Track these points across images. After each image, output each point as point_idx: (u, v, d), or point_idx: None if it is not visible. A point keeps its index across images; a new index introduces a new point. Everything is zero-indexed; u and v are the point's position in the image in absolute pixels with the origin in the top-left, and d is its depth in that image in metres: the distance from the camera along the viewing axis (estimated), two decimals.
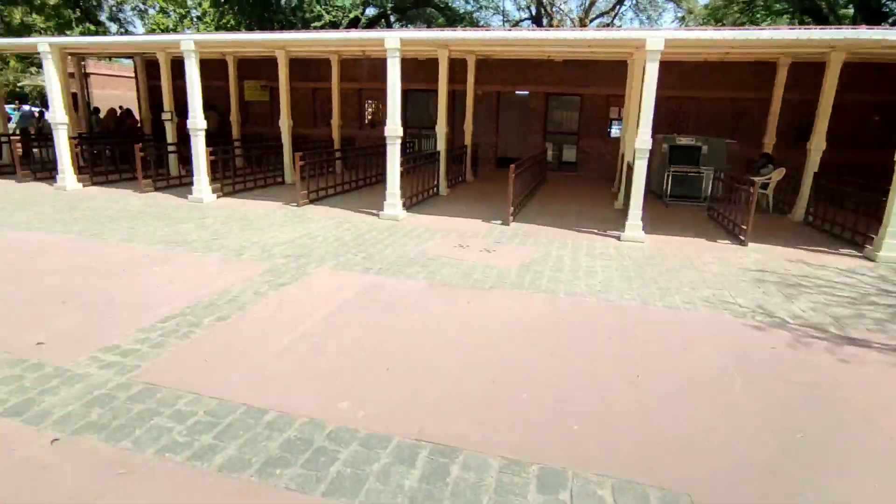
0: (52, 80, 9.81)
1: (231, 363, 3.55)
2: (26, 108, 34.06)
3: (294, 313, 4.41)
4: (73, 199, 9.37)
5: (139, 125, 16.16)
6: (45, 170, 11.62)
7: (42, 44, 9.67)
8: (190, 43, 8.88)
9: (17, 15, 25.00)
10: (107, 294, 4.72)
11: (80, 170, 10.75)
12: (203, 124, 9.22)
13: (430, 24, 25.89)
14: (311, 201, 9.57)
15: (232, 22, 21.53)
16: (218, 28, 22.22)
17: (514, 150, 15.45)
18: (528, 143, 15.52)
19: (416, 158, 10.26)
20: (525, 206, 9.68)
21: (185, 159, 12.34)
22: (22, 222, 7.49)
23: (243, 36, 9.80)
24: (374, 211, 8.83)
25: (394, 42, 8.01)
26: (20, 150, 11.53)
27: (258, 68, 16.61)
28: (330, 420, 2.92)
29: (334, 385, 3.31)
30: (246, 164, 12.18)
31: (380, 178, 12.05)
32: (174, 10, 27.41)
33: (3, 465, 2.50)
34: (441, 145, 10.99)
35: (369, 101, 16.98)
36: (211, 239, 6.76)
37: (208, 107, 17.89)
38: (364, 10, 23.29)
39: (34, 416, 2.88)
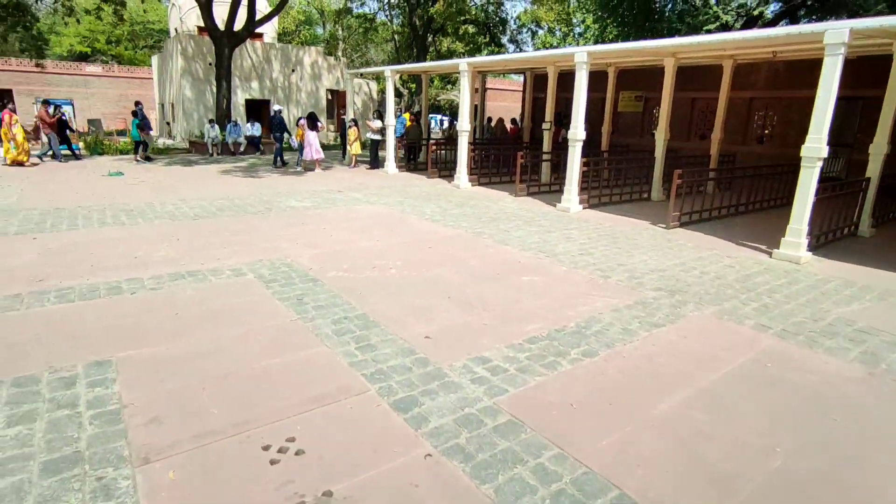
0: (464, 94, 11.45)
1: (598, 418, 3.02)
2: (437, 117, 42.59)
3: (672, 369, 3.62)
4: (464, 196, 10.75)
5: (520, 133, 17.84)
6: (447, 169, 13.85)
7: (462, 64, 11.36)
8: (583, 55, 8.90)
9: (445, 43, 31.12)
10: (481, 295, 4.89)
11: (470, 171, 12.32)
12: (583, 135, 9.19)
13: (854, 14, 20.47)
14: (682, 224, 8.47)
15: (613, 33, 21.63)
16: (596, 42, 22.71)
17: None
18: None
19: (836, 186, 7.92)
20: None
21: (555, 166, 12.88)
22: (427, 212, 8.88)
23: (635, 45, 9.29)
24: (762, 246, 7.16)
25: (840, 36, 6.13)
26: (433, 151, 14.02)
27: (635, 79, 16.09)
28: None
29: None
30: (612, 176, 11.82)
31: (767, 205, 9.97)
32: (560, 29, 29.46)
33: (387, 468, 2.55)
34: (873, 169, 8.23)
35: (760, 113, 14.41)
36: (578, 254, 6.53)
37: (569, 116, 18.65)
38: (768, 5, 20.03)
39: (415, 417, 2.96)
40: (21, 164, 13.31)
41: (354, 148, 15.03)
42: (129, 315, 4.19)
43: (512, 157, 13.66)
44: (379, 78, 39.70)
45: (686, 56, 11.60)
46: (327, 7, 29.75)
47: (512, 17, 26.61)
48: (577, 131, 9.14)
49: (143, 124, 16.85)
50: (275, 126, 15.25)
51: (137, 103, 16.95)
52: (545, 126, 13.22)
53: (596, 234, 7.67)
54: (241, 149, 18.52)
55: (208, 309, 4.38)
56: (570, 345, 3.93)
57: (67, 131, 15.85)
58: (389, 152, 14.33)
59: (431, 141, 15.94)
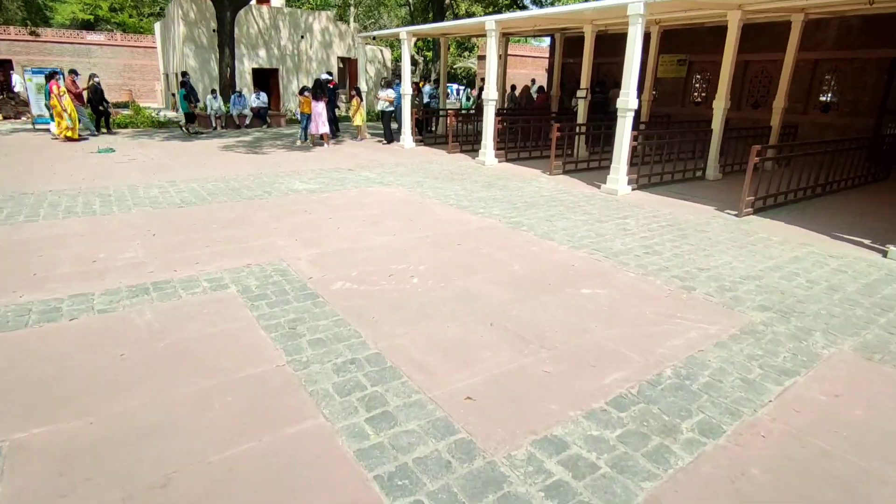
0: (491, 58, 10.02)
1: None
2: (454, 87, 40.68)
3: (844, 462, 2.39)
4: (492, 175, 9.44)
5: (549, 102, 16.25)
6: (468, 143, 12.48)
7: (489, 22, 9.89)
8: (639, 5, 7.40)
9: (463, 6, 29.17)
10: (533, 318, 3.67)
11: (496, 146, 10.96)
12: (635, 104, 7.77)
13: None
14: (756, 210, 7.10)
15: None
16: None
17: None
18: None
19: None
20: None
21: (595, 139, 11.45)
22: (451, 195, 7.62)
23: None
24: (866, 241, 5.79)
25: None
26: (454, 123, 12.62)
27: (678, 41, 14.37)
28: None
29: None
30: (664, 151, 10.36)
31: (843, 186, 8.54)
32: None
33: None
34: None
35: (827, 77, 12.69)
36: (643, 252, 5.25)
37: (603, 84, 16.93)
38: None
39: None
40: (72, 139, 12.35)
41: (357, 119, 13.66)
42: (55, 358, 3.05)
43: (542, 130, 12.25)
44: (393, 45, 37.85)
45: (754, 7, 9.98)
46: None
47: None
48: (630, 99, 7.72)
49: (189, 95, 15.54)
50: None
51: (185, 73, 16.05)
52: (580, 94, 11.72)
53: (657, 225, 6.35)
54: (247, 121, 17.27)
55: (167, 346, 3.22)
56: (676, 411, 2.70)
57: (103, 105, 14.73)
58: (405, 124, 12.97)
59: (452, 111, 14.52)
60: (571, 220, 6.43)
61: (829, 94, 12.59)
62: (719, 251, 5.37)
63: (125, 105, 23.94)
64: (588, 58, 11.46)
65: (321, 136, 12.82)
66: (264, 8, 22.65)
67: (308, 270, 4.52)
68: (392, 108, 13.02)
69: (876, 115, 11.65)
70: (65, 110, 11.97)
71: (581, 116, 11.81)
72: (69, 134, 12.20)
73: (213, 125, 16.62)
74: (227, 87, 17.62)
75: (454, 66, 43.94)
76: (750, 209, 6.99)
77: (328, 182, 8.48)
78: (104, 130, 14.79)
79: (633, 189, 8.29)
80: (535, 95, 16.71)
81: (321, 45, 24.18)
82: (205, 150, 11.77)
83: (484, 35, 10.60)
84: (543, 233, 5.86)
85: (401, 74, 12.75)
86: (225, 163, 10.17)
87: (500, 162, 10.83)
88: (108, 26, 38.65)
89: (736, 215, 6.89)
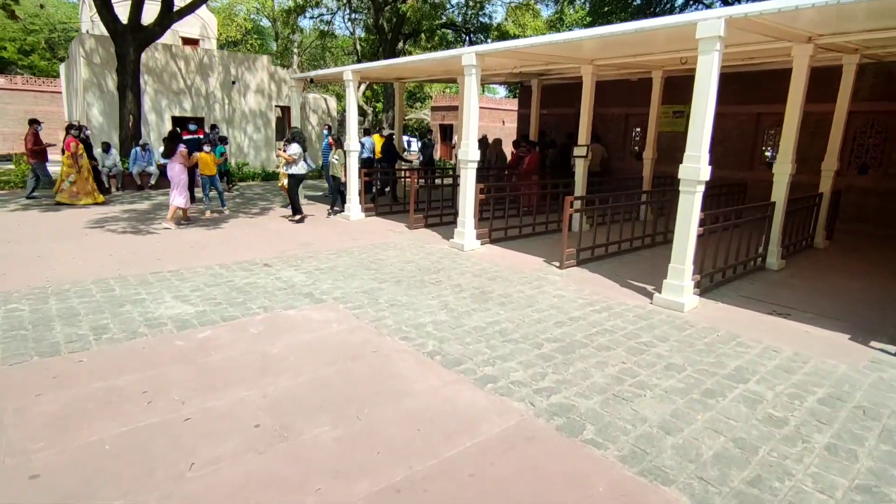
0: (469, 100, 7.23)
1: None
2: (406, 138, 38.42)
3: None
4: (478, 269, 6.40)
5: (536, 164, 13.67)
6: (434, 211, 9.53)
7: (467, 55, 7.14)
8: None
9: (417, 52, 27.08)
10: None
11: (477, 222, 8.03)
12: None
13: None
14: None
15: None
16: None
17: None
18: None
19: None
20: None
21: (596, 205, 8.73)
22: (428, 325, 4.48)
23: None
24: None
25: None
26: (416, 187, 9.68)
27: (677, 90, 12.27)
28: None
29: None
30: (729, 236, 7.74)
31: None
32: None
33: None
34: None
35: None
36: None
37: (593, 138, 14.66)
38: None
39: None
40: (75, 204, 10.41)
41: (281, 179, 10.30)
42: None
43: (532, 196, 9.49)
44: (340, 95, 35.31)
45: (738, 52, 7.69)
46: (279, 13, 25.30)
47: (495, 21, 22.76)
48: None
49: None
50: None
51: (214, 126, 12.79)
52: (578, 152, 9.12)
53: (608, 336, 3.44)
54: (152, 181, 13.77)
55: None
56: None
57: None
58: (352, 189, 9.93)
59: (409, 166, 11.65)
60: (659, 391, 3.42)
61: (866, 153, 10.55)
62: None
63: (7, 158, 19.82)
64: (588, 104, 8.93)
65: (184, 214, 9.06)
66: (189, 50, 19.56)
67: None
68: (302, 173, 9.28)
69: None
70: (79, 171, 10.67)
71: (580, 180, 9.17)
72: (75, 201, 10.68)
73: (108, 185, 13.02)
74: (131, 137, 14.16)
75: (406, 118, 41.93)
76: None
77: (222, 296, 5.20)
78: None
79: (573, 266, 5.44)
80: (506, 152, 14.14)
81: (257, 93, 21.22)
82: (61, 228, 8.23)
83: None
84: (432, 351, 2.82)
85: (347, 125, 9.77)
86: (77, 252, 6.71)
87: (482, 244, 7.89)
88: (18, 69, 34.36)
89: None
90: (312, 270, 6.28)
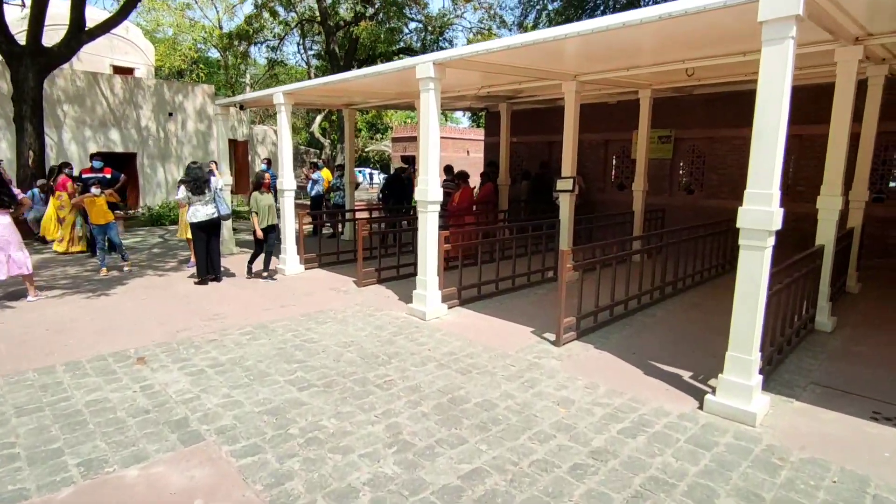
0: (428, 120, 5.50)
1: None
2: (366, 171, 36.80)
3: None
4: (448, 355, 4.52)
5: (494, 196, 12.05)
6: (390, 260, 7.69)
7: (423, 65, 5.46)
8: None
9: None
10: None
11: (444, 280, 6.24)
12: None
13: None
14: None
15: None
16: None
17: None
18: None
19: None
20: None
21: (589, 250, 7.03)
22: None
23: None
24: None
25: None
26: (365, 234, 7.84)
27: (662, 112, 10.92)
28: None
29: None
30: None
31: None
32: None
33: None
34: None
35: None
36: None
37: (546, 166, 13.16)
38: None
39: None
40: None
41: (180, 230, 8.24)
42: None
43: (463, 242, 7.76)
44: (299, 128, 33.48)
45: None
46: (221, 38, 23.48)
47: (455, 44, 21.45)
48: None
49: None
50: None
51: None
52: (562, 185, 7.51)
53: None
54: None
55: None
56: None
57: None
58: (288, 238, 8.02)
59: (361, 205, 9.92)
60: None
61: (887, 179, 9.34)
62: None
63: None
64: (572, 127, 7.39)
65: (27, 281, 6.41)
66: (117, 79, 17.49)
67: None
68: (203, 219, 7.08)
69: None
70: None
71: (566, 221, 7.54)
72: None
73: None
74: (30, 177, 11.92)
75: (365, 150, 40.36)
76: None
77: (27, 439, 3.20)
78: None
79: (573, 341, 3.75)
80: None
81: (198, 125, 19.23)
82: None
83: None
84: None
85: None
86: None
87: (450, 307, 6.08)
88: None
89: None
90: (206, 367, 4.32)
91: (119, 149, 17.39)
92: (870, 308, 6.37)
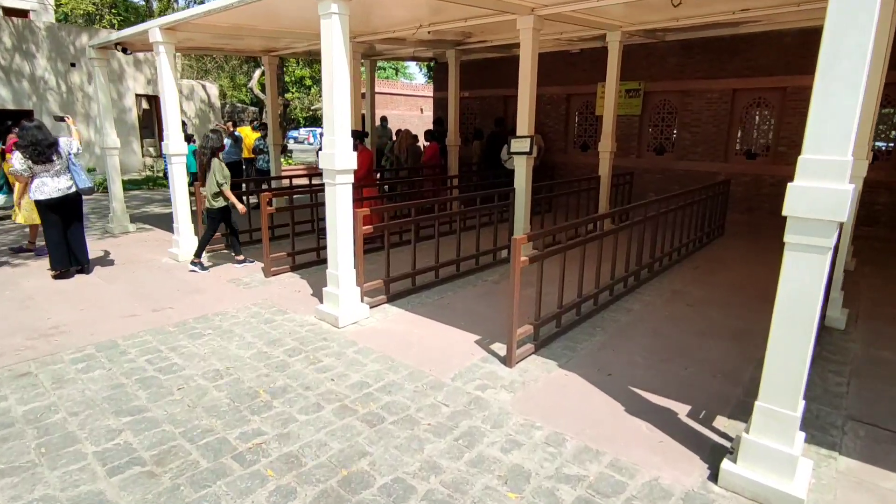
0: (332, 51, 4.01)
1: None
2: (317, 131, 34.29)
3: None
4: (362, 392, 3.22)
5: (441, 157, 10.58)
6: (306, 242, 6.23)
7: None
8: None
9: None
10: None
11: (362, 271, 4.85)
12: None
13: None
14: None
15: None
16: None
17: None
18: None
19: None
20: None
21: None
22: None
23: None
24: None
25: None
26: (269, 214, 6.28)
27: (630, 63, 9.57)
28: None
29: None
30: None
31: None
32: None
33: None
34: None
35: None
36: None
37: (502, 121, 11.61)
38: None
39: None
40: None
41: (21, 215, 6.37)
42: None
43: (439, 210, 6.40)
44: (241, 84, 30.49)
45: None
46: None
47: None
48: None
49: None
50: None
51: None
52: (518, 146, 6.15)
53: None
54: None
55: None
56: None
57: None
58: (180, 214, 6.39)
59: (297, 170, 8.34)
60: None
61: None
62: None
63: None
64: (530, 80, 5.99)
65: None
66: (2, 23, 14.82)
67: None
68: (52, 196, 5.34)
69: None
70: None
71: (522, 187, 6.21)
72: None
73: None
74: None
75: (313, 109, 37.67)
76: None
77: None
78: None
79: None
80: (422, 147, 10.96)
81: (109, 78, 16.71)
82: None
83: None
84: None
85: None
86: None
87: (373, 307, 4.73)
88: None
89: None
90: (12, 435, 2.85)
91: (10, 105, 14.91)
92: (875, 291, 5.42)
